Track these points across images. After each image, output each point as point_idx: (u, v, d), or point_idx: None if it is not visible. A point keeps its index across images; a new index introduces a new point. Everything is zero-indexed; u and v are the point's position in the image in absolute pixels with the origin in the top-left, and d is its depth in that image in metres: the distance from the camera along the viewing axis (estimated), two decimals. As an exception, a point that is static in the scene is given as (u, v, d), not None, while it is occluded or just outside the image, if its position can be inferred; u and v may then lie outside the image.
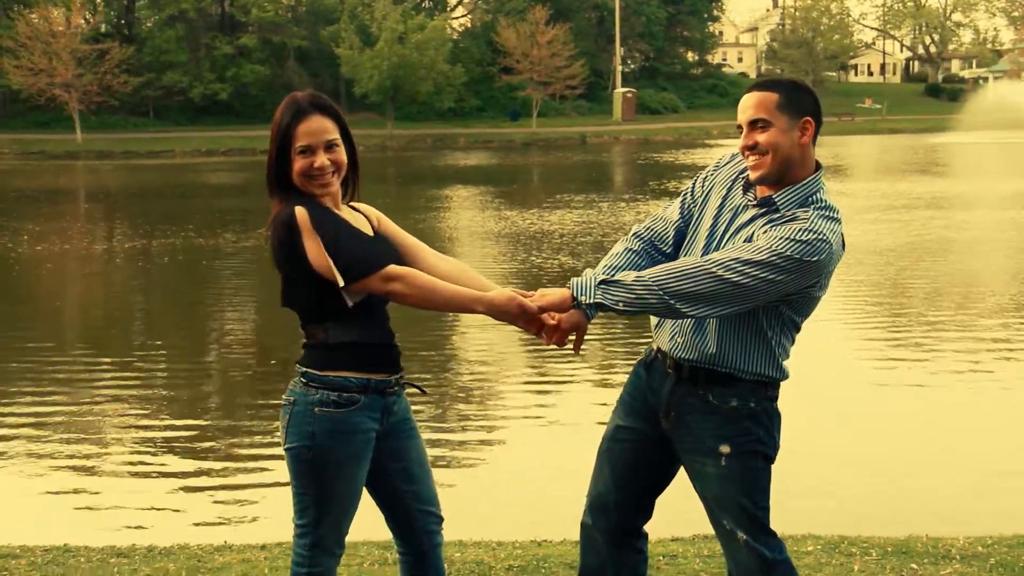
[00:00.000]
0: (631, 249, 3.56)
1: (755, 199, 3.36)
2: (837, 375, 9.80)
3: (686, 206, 3.56)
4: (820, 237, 3.19)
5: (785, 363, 3.44)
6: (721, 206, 3.45)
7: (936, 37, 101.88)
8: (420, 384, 3.84)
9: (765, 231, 3.27)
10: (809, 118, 3.31)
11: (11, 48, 56.65)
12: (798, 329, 3.45)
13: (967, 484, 7.16)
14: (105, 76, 57.16)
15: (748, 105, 3.34)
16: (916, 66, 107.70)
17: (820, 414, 8.45)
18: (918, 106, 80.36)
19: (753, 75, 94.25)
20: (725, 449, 3.37)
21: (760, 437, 3.39)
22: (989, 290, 14.27)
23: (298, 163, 3.31)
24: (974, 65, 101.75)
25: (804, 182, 3.32)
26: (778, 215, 3.30)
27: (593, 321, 3.44)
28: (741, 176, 3.45)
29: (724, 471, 3.38)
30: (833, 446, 7.84)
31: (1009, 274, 15.82)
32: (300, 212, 3.24)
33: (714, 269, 3.19)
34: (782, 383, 3.47)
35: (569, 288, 3.31)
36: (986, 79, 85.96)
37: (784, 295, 3.25)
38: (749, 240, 3.30)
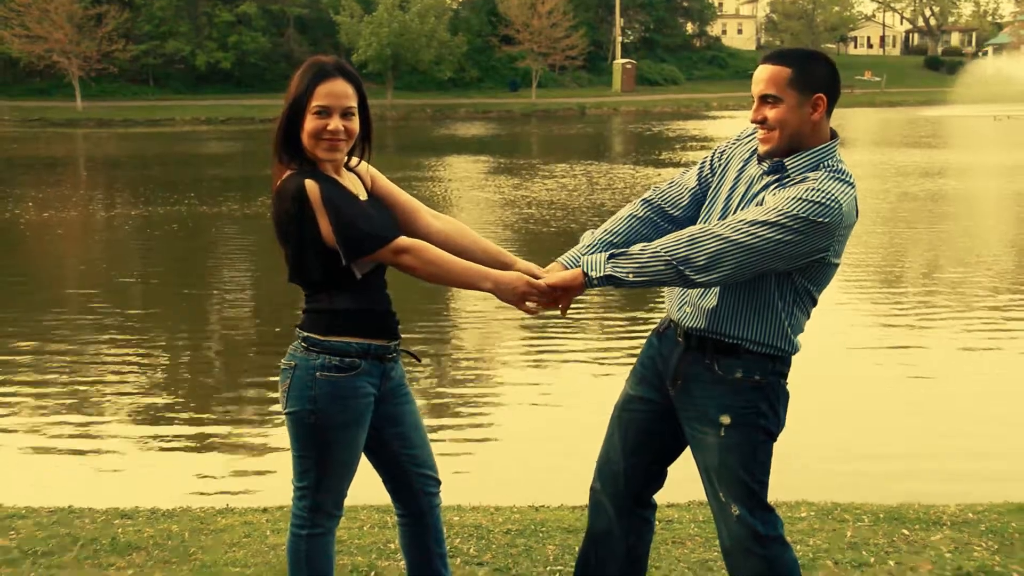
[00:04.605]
0: (635, 215, 3.56)
1: (768, 168, 3.33)
2: (831, 342, 9.83)
3: (703, 176, 3.54)
4: (830, 197, 3.12)
5: (797, 337, 3.38)
6: (737, 178, 3.43)
7: (936, 9, 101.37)
8: (417, 352, 3.87)
9: (774, 193, 3.24)
10: (821, 94, 3.24)
11: (6, 16, 55.98)
12: (814, 302, 3.39)
13: (960, 451, 7.23)
14: (103, 43, 56.76)
15: (760, 78, 3.28)
16: (916, 39, 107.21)
17: (813, 381, 8.48)
18: (917, 79, 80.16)
19: (753, 47, 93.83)
20: (725, 420, 3.34)
21: (762, 411, 3.36)
22: (979, 259, 14.33)
23: (311, 123, 3.26)
24: (974, 38, 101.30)
25: (816, 149, 3.27)
26: (788, 179, 3.26)
27: (592, 290, 3.45)
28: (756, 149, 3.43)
29: (723, 441, 3.36)
30: (826, 413, 7.89)
31: (998, 242, 15.88)
32: (311, 186, 3.19)
33: (720, 231, 3.16)
34: (793, 357, 3.42)
35: (580, 266, 3.30)
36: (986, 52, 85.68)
37: (795, 259, 3.18)
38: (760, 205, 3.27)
